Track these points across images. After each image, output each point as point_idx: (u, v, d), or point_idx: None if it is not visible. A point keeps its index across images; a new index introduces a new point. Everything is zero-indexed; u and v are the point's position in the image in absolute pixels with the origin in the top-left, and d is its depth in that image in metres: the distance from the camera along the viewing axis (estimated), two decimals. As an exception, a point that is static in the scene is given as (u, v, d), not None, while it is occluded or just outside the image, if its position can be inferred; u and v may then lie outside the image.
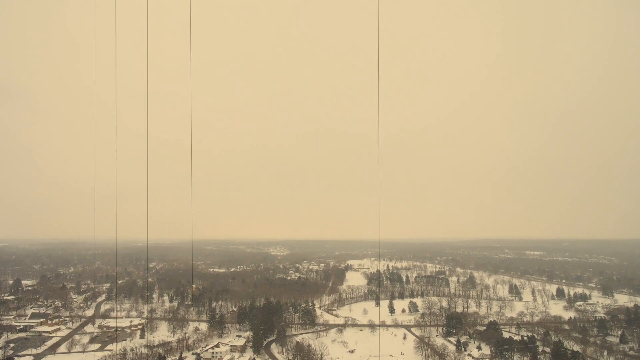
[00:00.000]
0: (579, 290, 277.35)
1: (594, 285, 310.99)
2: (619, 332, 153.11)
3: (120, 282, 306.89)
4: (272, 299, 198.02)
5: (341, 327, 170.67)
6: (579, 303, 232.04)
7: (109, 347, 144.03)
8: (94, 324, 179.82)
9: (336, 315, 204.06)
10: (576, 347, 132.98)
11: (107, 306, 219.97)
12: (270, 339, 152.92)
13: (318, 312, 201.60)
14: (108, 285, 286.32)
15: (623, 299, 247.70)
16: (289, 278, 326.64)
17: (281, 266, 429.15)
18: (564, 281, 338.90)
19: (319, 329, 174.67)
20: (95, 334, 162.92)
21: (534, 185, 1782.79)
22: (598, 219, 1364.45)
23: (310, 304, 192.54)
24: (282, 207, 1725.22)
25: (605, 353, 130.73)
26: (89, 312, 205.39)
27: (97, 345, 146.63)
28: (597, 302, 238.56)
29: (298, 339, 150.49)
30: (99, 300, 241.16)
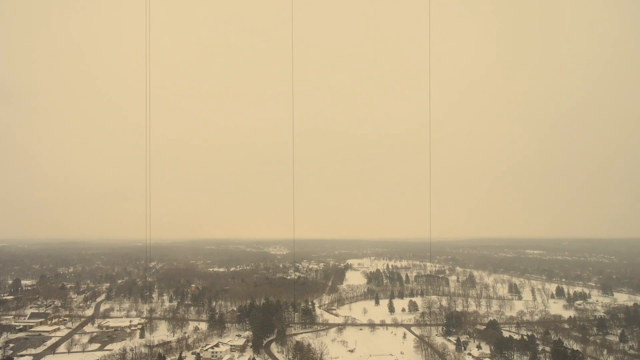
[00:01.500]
0: (579, 289, 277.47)
1: (593, 284, 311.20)
2: (619, 331, 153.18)
3: (119, 281, 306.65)
4: (271, 298, 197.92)
5: (341, 327, 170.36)
6: (578, 302, 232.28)
7: (108, 346, 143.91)
8: (93, 323, 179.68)
9: (336, 315, 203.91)
10: (576, 346, 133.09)
11: (107, 306, 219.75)
12: (270, 339, 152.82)
13: (318, 311, 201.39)
14: (108, 285, 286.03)
15: (623, 298, 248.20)
16: (288, 277, 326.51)
17: (281, 265, 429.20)
18: (563, 280, 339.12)
19: (318, 328, 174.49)
20: (95, 333, 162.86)
21: (534, 184, 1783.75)
22: (597, 218, 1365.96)
23: (310, 303, 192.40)
24: (281, 207, 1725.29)
25: (605, 352, 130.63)
26: (89, 312, 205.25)
27: (97, 345, 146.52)
28: (597, 300, 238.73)
29: (298, 338, 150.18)
30: (98, 300, 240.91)
